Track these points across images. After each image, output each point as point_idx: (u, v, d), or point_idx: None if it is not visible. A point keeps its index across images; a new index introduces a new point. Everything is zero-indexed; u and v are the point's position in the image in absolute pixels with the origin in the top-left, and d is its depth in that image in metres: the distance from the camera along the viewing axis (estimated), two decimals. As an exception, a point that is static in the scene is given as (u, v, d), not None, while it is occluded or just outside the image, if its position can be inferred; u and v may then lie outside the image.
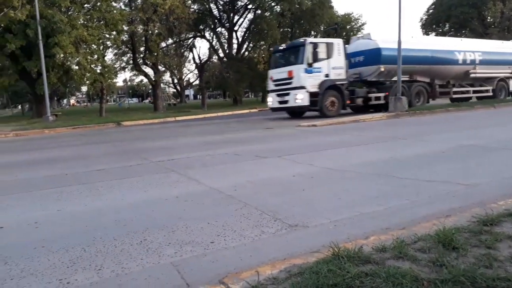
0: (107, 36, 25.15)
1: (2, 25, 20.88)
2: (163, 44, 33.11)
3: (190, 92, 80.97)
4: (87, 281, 2.40)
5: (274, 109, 16.58)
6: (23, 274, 2.53)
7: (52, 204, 4.27)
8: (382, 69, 16.24)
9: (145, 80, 42.74)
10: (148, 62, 31.68)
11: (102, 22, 23.91)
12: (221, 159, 6.79)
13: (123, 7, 27.46)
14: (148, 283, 2.35)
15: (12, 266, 2.67)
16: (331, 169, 5.45)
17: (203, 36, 39.02)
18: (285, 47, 16.50)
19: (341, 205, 3.71)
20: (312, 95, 14.84)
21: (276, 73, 16.05)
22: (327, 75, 15.14)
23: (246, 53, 39.46)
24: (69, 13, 22.96)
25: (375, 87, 16.99)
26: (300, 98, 14.87)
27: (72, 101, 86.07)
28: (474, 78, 19.33)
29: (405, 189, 4.21)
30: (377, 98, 16.55)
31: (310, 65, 14.79)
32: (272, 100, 16.35)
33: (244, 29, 38.33)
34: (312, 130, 11.27)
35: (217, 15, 38.36)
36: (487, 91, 20.00)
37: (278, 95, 15.87)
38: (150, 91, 48.02)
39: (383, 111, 15.75)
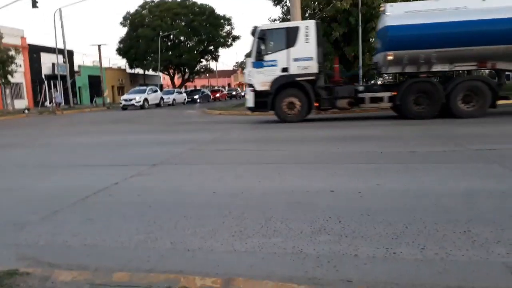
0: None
1: (329, 15, 23.97)
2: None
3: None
4: (411, 256, 2.52)
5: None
6: (354, 235, 2.92)
7: (371, 177, 4.68)
8: (390, 57, 11.31)
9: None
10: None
11: None
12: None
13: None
14: (477, 277, 2.24)
15: (344, 225, 3.13)
16: None
17: None
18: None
19: None
20: (259, 94, 12.06)
21: None
22: (284, 69, 11.86)
23: None
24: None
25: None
26: (247, 98, 12.58)
27: (379, 82, 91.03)
28: None
29: None
30: (377, 99, 11.84)
31: (259, 57, 11.96)
32: None
33: None
34: None
35: None
36: None
37: None
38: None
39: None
